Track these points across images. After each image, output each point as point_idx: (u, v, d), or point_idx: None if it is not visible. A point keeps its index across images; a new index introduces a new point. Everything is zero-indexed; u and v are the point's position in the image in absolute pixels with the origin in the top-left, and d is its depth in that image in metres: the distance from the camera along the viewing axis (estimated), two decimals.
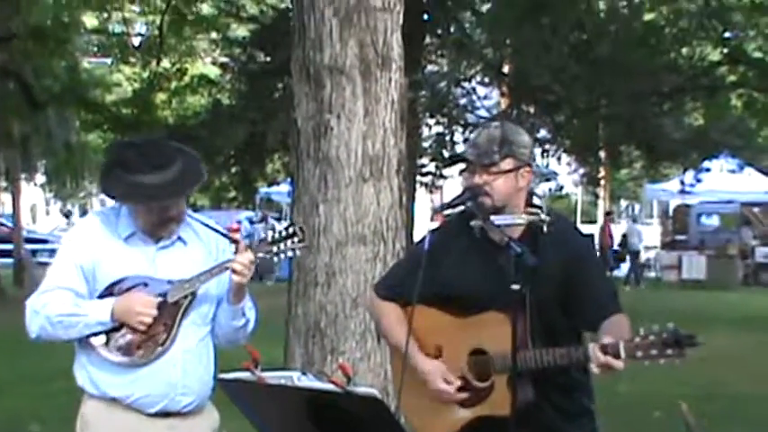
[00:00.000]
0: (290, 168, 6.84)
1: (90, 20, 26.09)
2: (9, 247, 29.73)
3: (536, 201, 4.05)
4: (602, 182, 35.71)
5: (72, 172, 35.13)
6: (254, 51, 21.32)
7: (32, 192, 52.49)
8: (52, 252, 35.21)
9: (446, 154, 21.58)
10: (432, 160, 21.95)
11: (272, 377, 3.48)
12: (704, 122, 24.40)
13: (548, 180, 27.15)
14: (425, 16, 19.43)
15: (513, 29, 18.73)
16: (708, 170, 24.34)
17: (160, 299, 4.17)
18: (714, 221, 32.24)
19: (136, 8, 25.80)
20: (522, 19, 17.92)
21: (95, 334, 4.17)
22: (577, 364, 3.75)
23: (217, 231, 4.40)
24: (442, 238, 4.06)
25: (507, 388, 3.80)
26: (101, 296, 4.19)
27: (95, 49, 28.67)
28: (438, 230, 4.11)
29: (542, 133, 21.99)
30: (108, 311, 4.12)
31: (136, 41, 26.85)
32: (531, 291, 3.74)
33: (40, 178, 45.24)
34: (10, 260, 29.52)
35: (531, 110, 21.68)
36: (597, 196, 42.10)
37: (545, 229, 3.94)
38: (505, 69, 22.10)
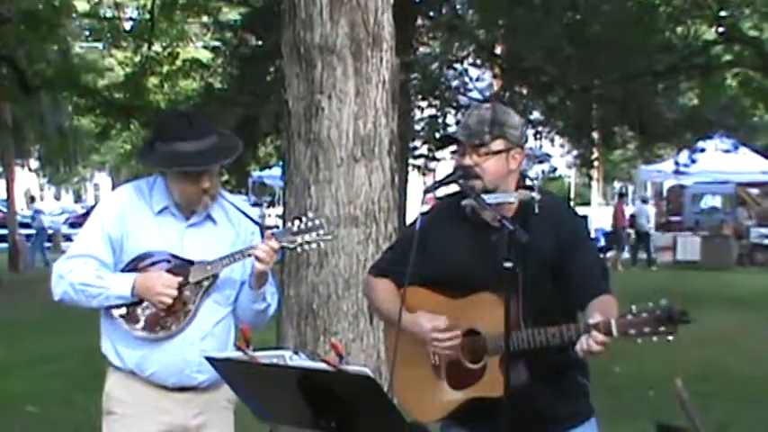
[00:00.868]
0: (281, 150, 6.82)
1: (81, 4, 25.98)
2: (3, 232, 29.76)
3: (528, 182, 4.02)
4: (596, 163, 35.71)
5: (65, 157, 35.12)
6: (246, 35, 21.24)
7: (26, 177, 52.45)
8: (48, 237, 35.26)
9: (438, 137, 21.55)
10: (424, 143, 21.91)
11: (264, 356, 3.47)
12: (699, 102, 24.35)
13: (541, 162, 27.08)
14: None
15: (506, 9, 18.67)
16: (703, 150, 24.30)
17: (181, 279, 4.24)
18: (709, 202, 32.25)
19: None
20: None
21: (116, 306, 4.27)
22: (570, 343, 3.72)
23: (247, 216, 4.46)
24: (434, 220, 4.05)
25: (500, 369, 3.78)
26: (125, 269, 4.28)
27: (87, 33, 28.62)
28: (430, 212, 4.09)
29: (535, 115, 21.94)
30: (129, 286, 4.22)
31: (127, 26, 26.76)
32: (523, 270, 3.72)
33: (34, 163, 45.23)
34: (5, 245, 29.57)
35: (524, 91, 21.62)
36: (591, 178, 42.12)
37: (537, 208, 3.91)
38: (498, 50, 22.04)
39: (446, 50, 20.92)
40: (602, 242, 29.78)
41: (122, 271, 4.29)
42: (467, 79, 21.68)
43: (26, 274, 26.99)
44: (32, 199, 37.95)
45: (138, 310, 4.27)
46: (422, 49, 21.05)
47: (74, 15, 25.92)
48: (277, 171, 25.47)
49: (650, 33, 19.42)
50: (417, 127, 21.59)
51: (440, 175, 4.80)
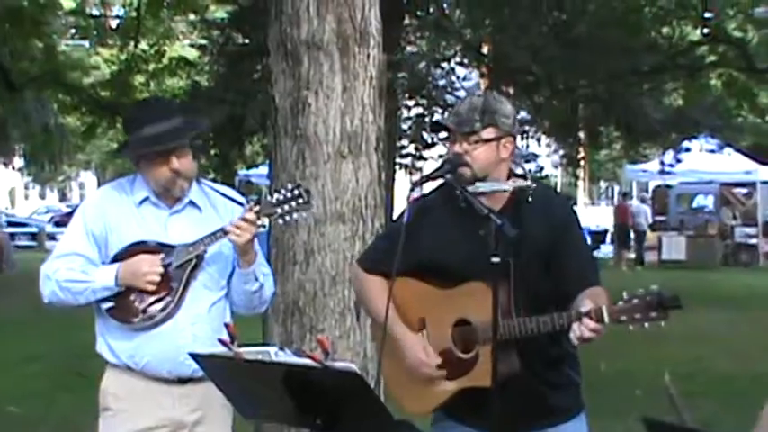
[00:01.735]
0: (268, 147, 6.78)
1: (67, 1, 25.87)
2: None
3: (519, 171, 4.01)
4: (582, 163, 35.76)
5: (50, 155, 34.98)
6: (233, 33, 21.19)
7: (11, 176, 52.31)
8: (32, 236, 35.27)
9: (425, 136, 21.58)
10: (411, 142, 21.92)
11: (249, 352, 3.45)
12: (684, 103, 24.40)
13: (527, 161, 27.16)
14: None
15: (492, 9, 18.69)
16: (688, 150, 24.37)
17: (165, 260, 4.25)
18: (701, 202, 32.31)
19: None
20: None
21: (104, 300, 4.27)
22: (562, 331, 3.71)
23: (230, 199, 4.48)
24: (422, 210, 4.01)
25: (492, 359, 3.77)
26: (111, 262, 4.29)
27: (73, 31, 28.51)
28: (419, 202, 4.04)
29: (522, 115, 21.97)
30: (112, 276, 4.23)
31: (113, 23, 26.67)
32: (515, 259, 3.72)
33: (19, 162, 45.05)
34: None
35: (511, 91, 21.64)
36: (577, 177, 42.16)
37: (529, 197, 3.90)
38: (485, 50, 22.07)
39: (433, 50, 20.95)
40: (589, 241, 29.81)
41: (110, 263, 4.29)
42: (454, 78, 21.74)
43: (8, 274, 26.86)
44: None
45: (126, 300, 4.26)
46: (409, 49, 21.05)
47: (59, 13, 25.80)
48: (264, 170, 25.40)
49: (636, 34, 19.48)
50: (404, 126, 21.60)
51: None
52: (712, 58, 21.82)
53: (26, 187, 68.04)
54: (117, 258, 4.28)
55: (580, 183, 44.46)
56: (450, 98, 21.16)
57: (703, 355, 12.40)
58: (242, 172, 29.84)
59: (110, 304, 4.28)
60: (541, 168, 29.00)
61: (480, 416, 3.79)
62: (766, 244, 29.52)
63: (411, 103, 21.47)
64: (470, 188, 3.87)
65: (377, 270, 4.18)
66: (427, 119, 21.61)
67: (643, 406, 8.58)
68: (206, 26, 22.51)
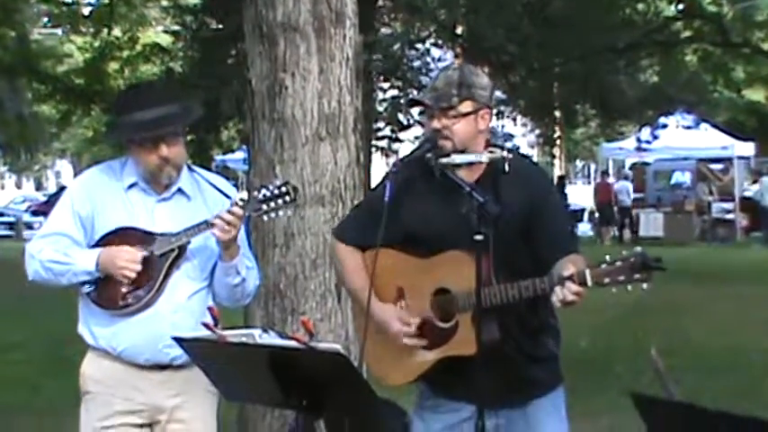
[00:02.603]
0: (245, 131, 6.76)
1: None
2: None
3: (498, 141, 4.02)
4: (558, 142, 35.81)
5: (26, 144, 34.80)
6: (206, 18, 21.08)
7: None
8: (9, 225, 35.04)
9: (401, 117, 21.55)
10: (387, 124, 21.88)
11: (233, 335, 3.45)
12: (659, 79, 24.45)
13: (504, 141, 27.20)
14: None
15: None
16: (665, 126, 24.41)
17: (146, 252, 4.24)
18: (679, 179, 32.39)
19: None
20: None
21: (85, 283, 4.27)
22: (543, 296, 3.72)
23: (219, 190, 4.45)
24: (402, 182, 3.99)
25: (472, 326, 3.77)
26: (95, 245, 4.28)
27: (45, 18, 28.33)
28: (398, 174, 4.00)
29: (497, 94, 21.98)
30: (93, 261, 4.22)
31: (86, 11, 26.50)
32: (494, 228, 3.71)
33: None
34: None
35: (486, 70, 21.62)
36: (553, 156, 42.25)
37: (506, 167, 3.89)
38: (459, 30, 22.03)
39: (407, 31, 20.89)
40: None
41: (93, 247, 4.28)
42: (428, 59, 21.67)
43: None
44: None
45: (107, 285, 4.25)
46: (383, 30, 21.00)
47: (31, 1, 25.66)
48: (240, 155, 25.37)
49: (611, 10, 19.48)
50: (380, 108, 21.55)
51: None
52: (687, 33, 21.85)
53: (2, 177, 67.76)
54: (103, 242, 4.27)
55: (556, 162, 44.49)
56: (424, 79, 21.06)
57: (683, 331, 12.44)
58: (218, 157, 29.78)
59: (91, 288, 4.28)
60: (518, 148, 29.01)
61: (462, 386, 3.80)
62: (743, 219, 29.65)
63: (386, 85, 21.42)
64: (445, 160, 3.87)
65: (354, 243, 4.18)
66: (402, 100, 21.58)
67: (623, 383, 8.62)
68: (179, 12, 22.37)
